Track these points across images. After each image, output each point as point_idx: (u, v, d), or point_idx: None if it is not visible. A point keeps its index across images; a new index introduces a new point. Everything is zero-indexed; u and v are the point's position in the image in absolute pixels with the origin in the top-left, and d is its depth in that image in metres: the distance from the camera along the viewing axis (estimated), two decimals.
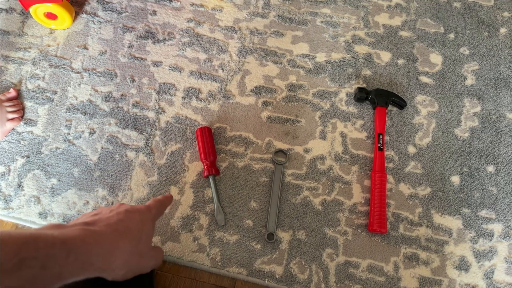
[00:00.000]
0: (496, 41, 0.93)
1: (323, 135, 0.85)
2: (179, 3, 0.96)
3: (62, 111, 0.86)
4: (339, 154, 0.83)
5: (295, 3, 0.97)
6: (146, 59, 0.91)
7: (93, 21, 0.94)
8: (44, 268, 0.36)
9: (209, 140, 0.80)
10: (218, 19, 0.95)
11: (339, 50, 0.92)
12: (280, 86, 0.89)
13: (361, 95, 0.85)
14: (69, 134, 0.84)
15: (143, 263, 0.48)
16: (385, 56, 0.92)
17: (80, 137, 0.84)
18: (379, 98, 0.84)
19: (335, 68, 0.90)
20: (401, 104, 0.85)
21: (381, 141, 0.81)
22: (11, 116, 0.83)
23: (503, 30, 0.94)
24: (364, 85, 0.89)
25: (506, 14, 0.96)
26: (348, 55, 0.92)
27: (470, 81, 0.89)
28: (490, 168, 0.83)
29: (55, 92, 0.87)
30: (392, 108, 0.87)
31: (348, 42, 0.93)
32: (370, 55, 0.92)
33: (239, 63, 0.91)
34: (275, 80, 0.90)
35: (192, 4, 0.96)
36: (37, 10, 0.88)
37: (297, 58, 0.91)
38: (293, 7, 0.96)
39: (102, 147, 0.83)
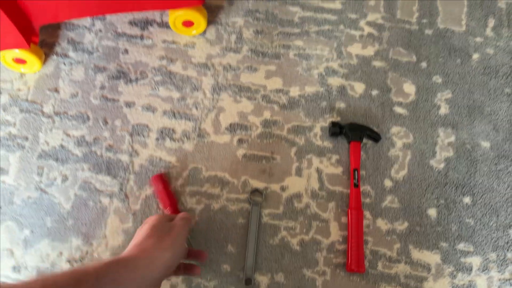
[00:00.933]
0: (469, 68, 0.94)
1: (299, 172, 0.84)
2: (150, 41, 0.95)
3: (34, 158, 0.85)
4: (315, 191, 0.83)
5: (268, 36, 0.97)
6: (118, 100, 0.90)
7: (64, 62, 0.93)
8: None
9: (163, 188, 0.80)
10: (190, 55, 0.94)
11: (313, 83, 0.92)
12: (255, 122, 0.89)
13: (335, 130, 0.85)
14: (41, 182, 0.83)
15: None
16: (359, 87, 0.92)
17: (53, 184, 0.83)
18: (353, 133, 0.84)
19: (309, 102, 0.90)
20: (375, 137, 0.85)
21: (356, 177, 0.81)
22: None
23: (475, 56, 0.95)
24: (338, 119, 0.89)
25: (478, 39, 0.97)
26: (322, 88, 0.92)
27: (443, 110, 0.90)
28: (467, 199, 0.83)
29: (26, 138, 0.86)
30: (367, 141, 0.87)
31: (321, 74, 0.93)
32: (343, 87, 0.92)
33: (213, 100, 0.90)
34: (249, 117, 0.89)
35: (164, 41, 0.95)
36: (5, 56, 0.86)
37: (271, 93, 0.91)
38: (266, 41, 0.96)
39: (75, 194, 0.82)
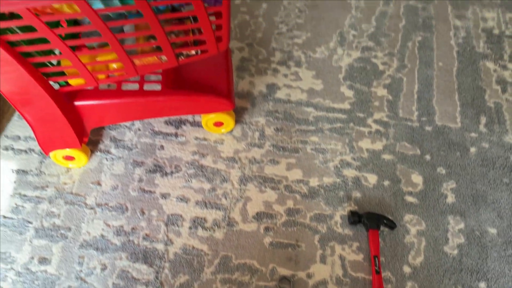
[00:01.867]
0: (468, 160, 1.05)
1: (323, 259, 0.90)
2: (184, 138, 1.08)
3: (76, 247, 0.91)
4: (340, 277, 0.88)
5: (287, 133, 1.09)
6: (155, 192, 0.99)
7: (106, 158, 1.03)
8: None
9: None
10: (220, 150, 1.06)
11: (330, 175, 1.02)
12: (279, 211, 0.97)
13: (354, 219, 0.92)
14: (81, 271, 0.88)
15: None
16: (372, 178, 1.02)
17: (92, 273, 0.88)
18: (371, 221, 0.92)
19: (327, 192, 0.99)
20: (391, 225, 0.92)
21: (377, 263, 0.87)
22: None
23: (473, 150, 1.07)
24: (356, 208, 0.97)
25: (473, 134, 1.09)
26: (338, 179, 1.01)
27: (450, 199, 0.99)
28: (482, 285, 0.88)
29: (69, 229, 0.93)
30: (384, 229, 0.94)
31: (337, 166, 1.03)
32: (358, 178, 1.02)
33: (241, 190, 0.99)
34: (274, 206, 0.97)
35: (196, 138, 1.08)
36: (56, 154, 0.97)
37: (293, 184, 1.01)
38: (285, 137, 1.08)
39: (113, 283, 0.87)
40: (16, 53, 0.69)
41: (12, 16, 0.65)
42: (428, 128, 1.10)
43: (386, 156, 1.05)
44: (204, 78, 1.01)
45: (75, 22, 0.80)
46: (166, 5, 0.73)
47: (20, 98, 0.78)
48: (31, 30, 0.66)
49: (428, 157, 1.05)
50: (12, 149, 1.05)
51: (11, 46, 0.67)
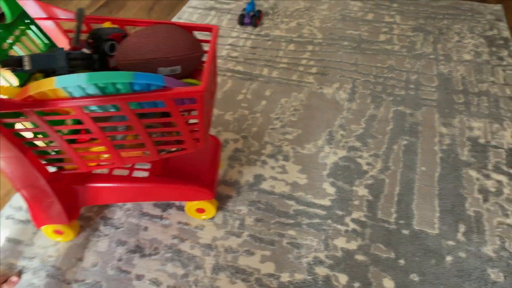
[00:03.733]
0: (443, 269, 1.04)
1: None
2: (168, 221, 1.14)
3: None
4: None
5: (266, 224, 1.14)
6: (131, 272, 1.03)
7: (93, 234, 1.11)
8: None
9: None
10: (199, 236, 1.11)
11: (301, 271, 1.04)
12: None
13: None
14: None
15: None
16: (343, 279, 1.02)
17: None
18: None
19: None
20: None
21: None
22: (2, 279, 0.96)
23: (449, 258, 1.06)
24: None
25: (450, 242, 1.10)
26: (309, 277, 1.03)
27: None
28: None
29: None
30: None
31: (309, 263, 1.05)
32: (329, 277, 1.02)
33: (212, 279, 1.02)
34: None
35: (179, 222, 1.14)
36: (47, 228, 1.06)
37: (264, 277, 1.03)
38: (264, 228, 1.13)
39: None
40: (20, 142, 0.81)
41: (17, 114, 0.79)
42: (405, 232, 1.12)
43: (360, 257, 1.07)
44: (190, 168, 1.11)
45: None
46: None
47: (19, 179, 0.90)
48: (34, 124, 0.79)
49: (402, 261, 1.06)
50: (13, 218, 1.15)
51: (15, 138, 0.80)
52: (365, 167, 1.30)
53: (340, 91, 1.59)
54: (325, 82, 1.63)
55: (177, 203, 1.19)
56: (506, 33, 1.88)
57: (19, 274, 1.02)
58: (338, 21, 1.98)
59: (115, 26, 0.93)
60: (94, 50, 0.89)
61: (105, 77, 0.68)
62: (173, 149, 0.90)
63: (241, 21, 1.92)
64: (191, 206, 1.10)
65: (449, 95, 1.55)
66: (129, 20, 0.94)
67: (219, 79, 1.64)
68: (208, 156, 1.14)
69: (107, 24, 0.94)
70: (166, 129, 0.84)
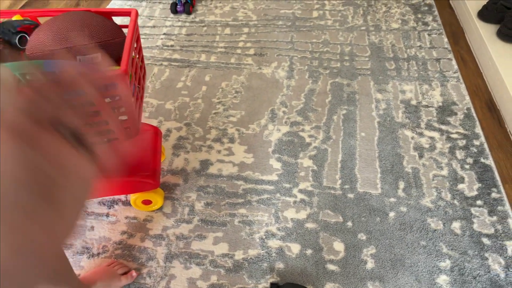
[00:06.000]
0: (387, 225, 1.09)
1: None
2: (115, 218, 1.11)
3: None
4: None
5: (216, 207, 1.14)
6: (79, 275, 0.99)
7: None
8: None
9: None
10: (148, 228, 1.09)
11: (255, 247, 1.05)
12: (203, 287, 0.97)
13: None
14: None
15: None
16: (295, 248, 1.05)
17: None
18: None
19: (251, 265, 1.01)
20: None
21: None
22: (121, 271, 0.97)
23: (391, 214, 1.12)
24: (278, 279, 0.99)
25: (392, 199, 1.15)
26: (263, 251, 1.04)
27: (370, 264, 1.01)
28: None
29: None
30: None
31: (262, 238, 1.07)
32: (281, 248, 1.05)
33: (165, 268, 1.01)
34: (198, 282, 0.98)
35: (126, 217, 1.11)
36: None
37: (218, 258, 1.03)
38: (214, 211, 1.13)
39: None
40: None
41: None
42: (350, 195, 1.16)
43: (310, 225, 1.10)
44: (130, 160, 1.07)
45: None
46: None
47: None
48: None
49: (350, 223, 1.10)
50: None
51: None
52: (308, 140, 1.33)
53: (278, 69, 1.60)
54: (264, 62, 1.64)
55: (123, 198, 1.15)
56: (429, 0, 1.98)
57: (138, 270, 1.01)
58: (271, 2, 1.99)
59: (26, 18, 0.88)
60: (4, 46, 0.83)
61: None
62: (104, 139, 0.86)
63: (174, 10, 1.88)
64: (136, 198, 1.08)
65: (382, 63, 1.62)
66: (40, 10, 0.88)
67: (155, 69, 1.60)
68: (148, 146, 1.11)
69: (16, 17, 0.88)
70: (93, 119, 0.81)
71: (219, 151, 1.30)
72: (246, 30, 1.81)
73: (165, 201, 1.15)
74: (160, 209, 1.13)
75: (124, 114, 0.81)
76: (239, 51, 1.70)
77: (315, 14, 1.91)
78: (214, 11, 1.94)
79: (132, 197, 1.08)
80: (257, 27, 1.83)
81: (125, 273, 0.98)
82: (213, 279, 0.99)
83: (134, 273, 0.98)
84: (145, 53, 1.68)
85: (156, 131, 1.16)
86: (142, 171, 1.05)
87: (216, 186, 1.19)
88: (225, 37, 1.77)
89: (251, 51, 1.69)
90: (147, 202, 1.10)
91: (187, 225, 1.10)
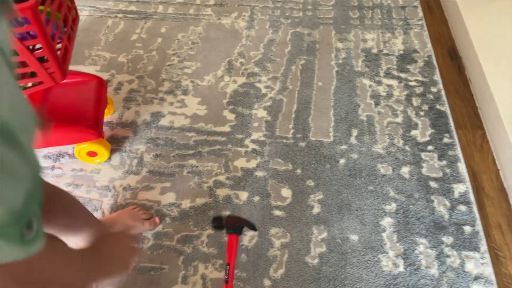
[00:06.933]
0: (336, 171, 1.09)
1: (184, 280, 0.90)
2: (60, 170, 1.09)
3: None
4: None
5: (166, 158, 1.12)
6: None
7: None
8: None
9: None
10: (95, 180, 1.07)
11: (203, 195, 1.04)
12: (147, 235, 0.97)
13: (216, 224, 0.89)
14: None
15: None
16: (243, 195, 1.04)
17: None
18: (230, 225, 0.89)
19: (198, 213, 1.01)
20: (251, 228, 0.89)
21: (227, 272, 0.84)
22: (145, 216, 0.98)
23: (342, 161, 1.11)
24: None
25: (344, 147, 1.14)
26: (210, 199, 1.03)
27: (316, 209, 1.02)
28: None
29: None
30: (249, 244, 0.95)
31: (210, 187, 1.06)
32: (229, 196, 1.04)
33: None
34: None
35: (72, 170, 1.09)
36: None
37: (164, 208, 1.02)
38: (163, 162, 1.11)
39: None
40: None
41: None
42: (302, 144, 1.15)
43: (259, 173, 1.09)
44: (72, 109, 1.04)
45: None
46: None
47: None
48: None
49: (299, 171, 1.09)
50: None
51: None
52: (264, 91, 1.29)
53: (239, 19, 1.54)
54: (224, 13, 1.57)
55: (70, 151, 1.12)
56: None
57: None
58: None
59: None
60: None
61: None
62: (29, 84, 0.82)
63: None
64: (80, 149, 1.05)
65: (345, 12, 1.56)
66: None
67: (109, 21, 1.53)
68: (91, 96, 1.07)
69: None
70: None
71: (171, 103, 1.26)
72: None
73: (113, 154, 1.12)
74: (108, 161, 1.10)
75: (44, 54, 0.76)
76: (198, 1, 1.62)
77: None
78: None
79: (76, 147, 1.05)
80: None
81: (148, 219, 0.98)
82: (158, 227, 0.99)
83: (157, 219, 0.98)
84: (99, 5, 1.60)
85: (100, 81, 1.11)
86: (84, 120, 1.02)
87: (166, 138, 1.17)
88: None
89: (211, 1, 1.62)
90: (92, 154, 1.07)
91: (135, 176, 1.08)
